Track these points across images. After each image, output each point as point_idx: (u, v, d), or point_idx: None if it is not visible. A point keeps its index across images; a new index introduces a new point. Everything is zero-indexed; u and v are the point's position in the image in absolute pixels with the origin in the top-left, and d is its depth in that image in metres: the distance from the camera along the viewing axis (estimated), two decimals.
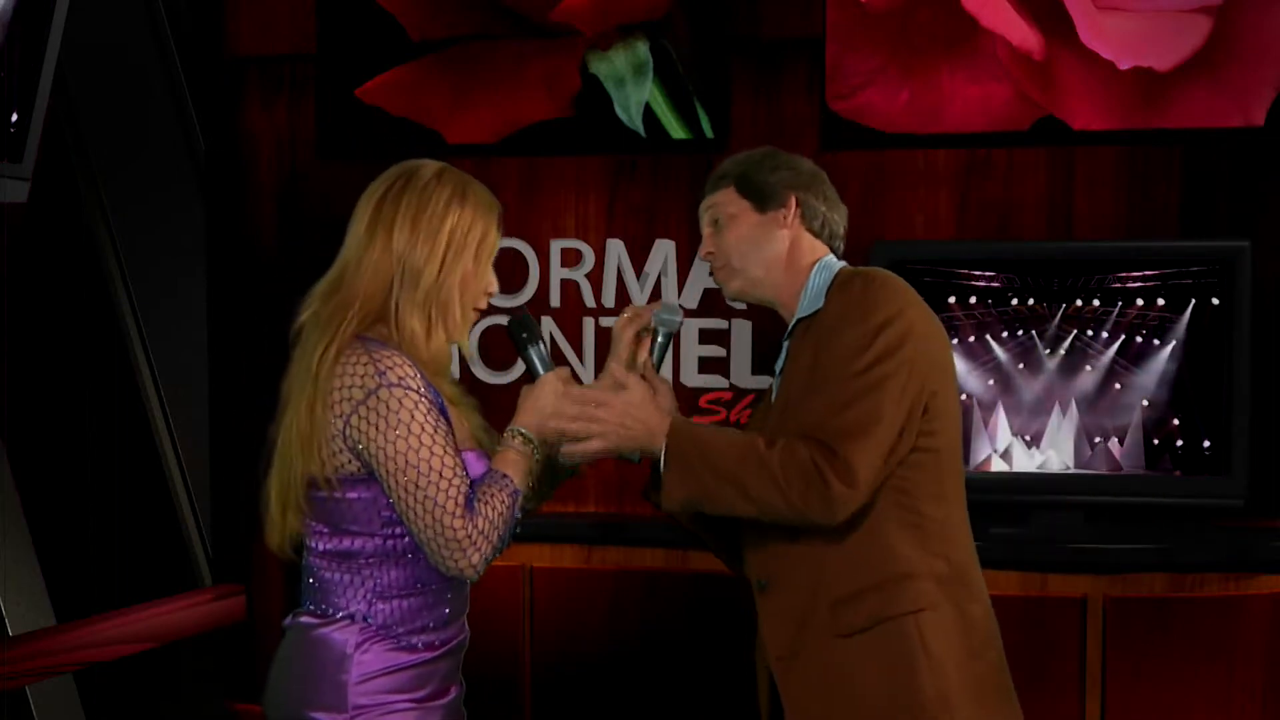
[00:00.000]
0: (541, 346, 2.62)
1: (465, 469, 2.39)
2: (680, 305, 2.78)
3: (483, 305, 2.51)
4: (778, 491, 2.42)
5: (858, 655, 2.48)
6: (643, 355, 2.70)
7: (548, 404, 2.48)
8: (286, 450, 2.42)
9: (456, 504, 2.34)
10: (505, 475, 2.41)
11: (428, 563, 2.42)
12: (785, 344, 2.66)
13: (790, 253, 2.64)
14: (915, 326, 2.51)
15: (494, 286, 2.53)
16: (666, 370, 4.28)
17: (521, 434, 2.46)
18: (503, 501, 2.38)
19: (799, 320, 2.62)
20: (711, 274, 2.73)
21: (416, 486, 2.34)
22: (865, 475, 2.43)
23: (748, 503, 2.46)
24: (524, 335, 2.62)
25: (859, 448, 2.43)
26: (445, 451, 2.36)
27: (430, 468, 2.34)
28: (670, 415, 2.53)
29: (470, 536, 2.34)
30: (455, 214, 2.44)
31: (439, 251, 2.42)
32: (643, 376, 2.63)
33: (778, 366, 2.68)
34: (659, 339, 2.70)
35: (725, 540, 2.73)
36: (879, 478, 2.47)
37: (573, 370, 2.62)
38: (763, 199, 2.64)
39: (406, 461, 2.34)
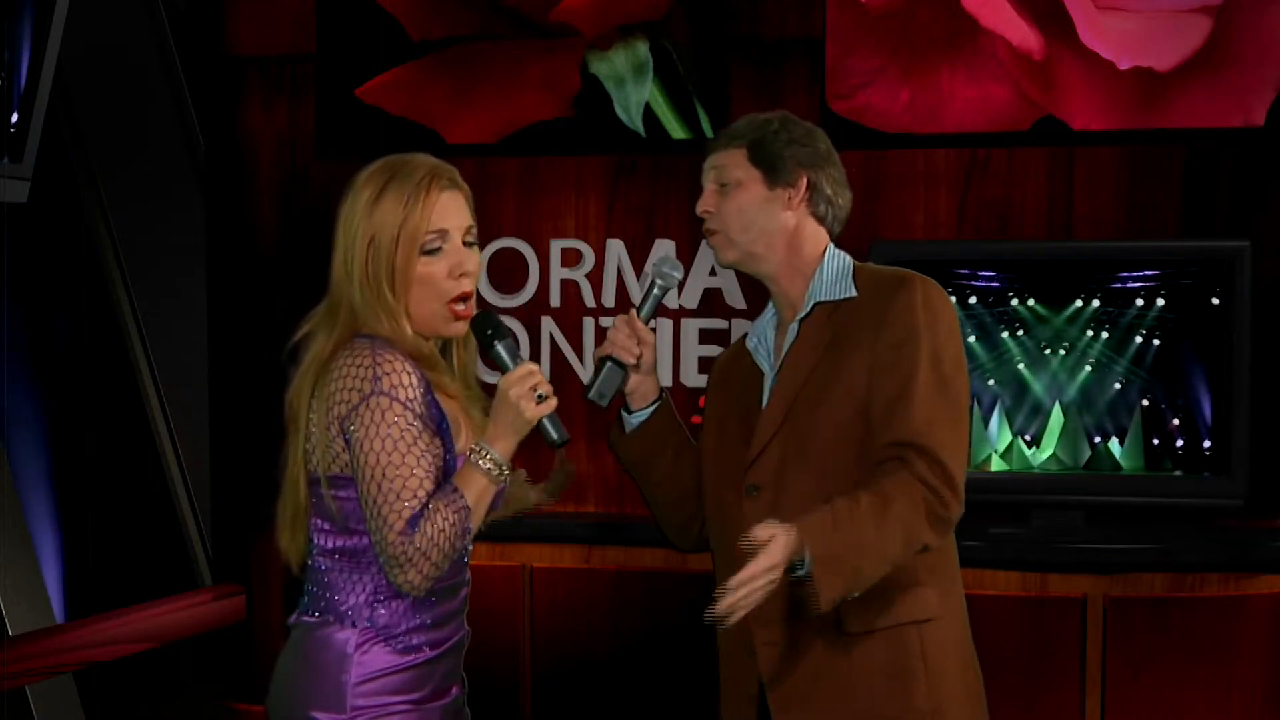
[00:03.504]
0: (509, 342, 2.46)
1: (432, 486, 2.34)
2: (678, 274, 2.69)
3: (452, 291, 2.42)
4: (911, 542, 2.40)
5: (857, 656, 2.47)
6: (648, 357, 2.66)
7: (509, 409, 2.38)
8: (296, 467, 2.42)
9: (401, 519, 2.31)
10: (457, 490, 2.36)
11: None
12: (794, 325, 2.57)
13: (794, 234, 2.58)
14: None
15: (469, 266, 2.43)
16: (665, 367, 4.30)
17: (485, 452, 2.37)
18: (446, 519, 2.33)
19: (819, 304, 2.56)
20: (705, 236, 2.64)
21: (373, 500, 2.33)
22: (962, 487, 2.46)
23: (888, 566, 2.41)
24: (488, 332, 2.46)
25: (961, 464, 2.45)
26: (417, 464, 2.33)
27: (389, 479, 2.32)
28: (791, 527, 2.33)
29: (407, 554, 2.31)
30: (366, 215, 2.41)
31: (359, 255, 2.39)
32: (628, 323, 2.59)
33: (782, 344, 2.60)
34: (654, 291, 2.64)
35: (675, 509, 2.69)
36: None
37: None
38: (774, 172, 2.56)
39: (372, 474, 2.33)
